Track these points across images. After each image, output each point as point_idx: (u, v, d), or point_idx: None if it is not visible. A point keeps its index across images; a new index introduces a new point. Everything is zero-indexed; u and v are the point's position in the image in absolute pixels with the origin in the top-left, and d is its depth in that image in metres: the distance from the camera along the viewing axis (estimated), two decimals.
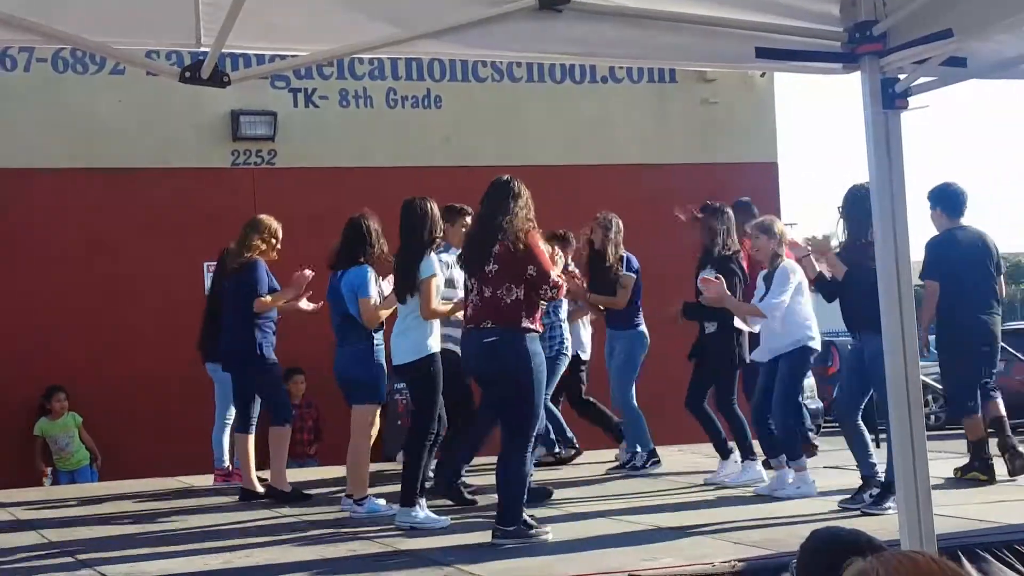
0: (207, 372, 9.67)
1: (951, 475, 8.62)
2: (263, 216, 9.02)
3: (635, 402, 9.57)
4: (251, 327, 8.72)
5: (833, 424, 20.33)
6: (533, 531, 6.91)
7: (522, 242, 6.86)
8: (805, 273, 8.22)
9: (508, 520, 6.88)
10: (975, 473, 8.57)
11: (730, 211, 9.07)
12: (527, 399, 6.85)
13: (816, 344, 8.39)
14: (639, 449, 9.64)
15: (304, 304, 8.92)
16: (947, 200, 8.83)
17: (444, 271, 7.96)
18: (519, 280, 6.85)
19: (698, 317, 8.94)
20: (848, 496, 7.76)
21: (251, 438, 8.94)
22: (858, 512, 7.47)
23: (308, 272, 8.77)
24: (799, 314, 8.32)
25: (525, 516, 6.93)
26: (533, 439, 7.04)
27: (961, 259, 8.66)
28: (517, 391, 6.85)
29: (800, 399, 8.57)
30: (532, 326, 6.92)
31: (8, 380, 10.89)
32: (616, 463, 9.83)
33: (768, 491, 8.41)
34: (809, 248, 8.14)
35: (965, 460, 8.72)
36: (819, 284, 8.07)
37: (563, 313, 9.25)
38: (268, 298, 8.75)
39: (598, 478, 9.46)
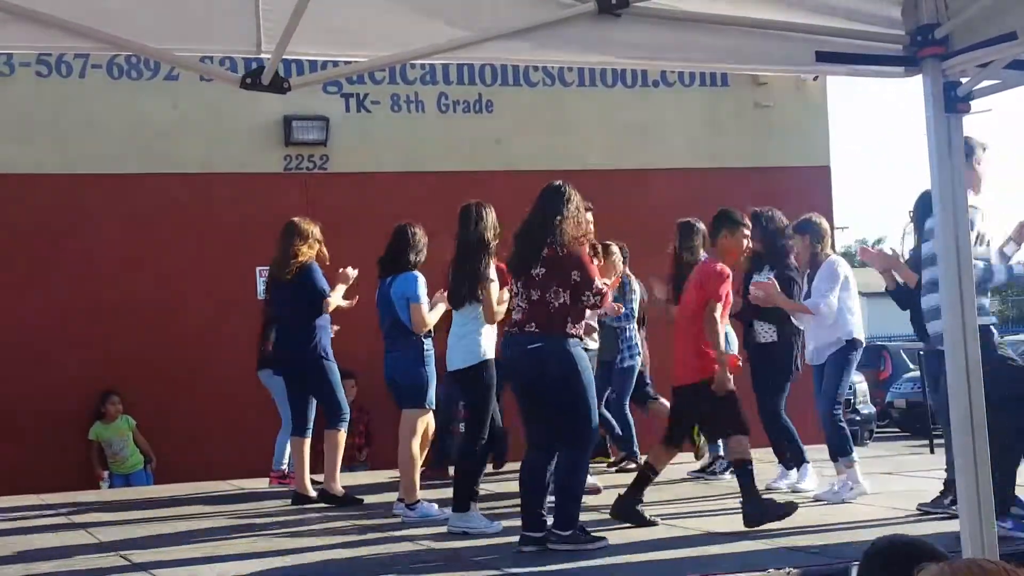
0: (260, 380, 9.73)
1: None
2: (296, 220, 9.02)
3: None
4: (313, 329, 8.76)
5: (887, 429, 20.19)
6: (588, 537, 6.88)
7: (568, 247, 6.86)
8: (886, 285, 8.17)
9: (564, 524, 6.86)
10: None
11: (779, 213, 9.00)
12: (582, 403, 6.84)
13: (860, 341, 8.40)
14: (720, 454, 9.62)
15: (342, 301, 8.94)
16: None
17: None
18: (566, 284, 6.85)
19: (753, 318, 8.86)
20: (928, 501, 7.65)
21: (307, 442, 8.97)
22: (944, 515, 7.30)
23: (352, 271, 8.83)
24: (843, 310, 8.30)
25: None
26: (592, 440, 7.02)
27: None
28: (570, 396, 6.84)
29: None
30: (575, 332, 6.92)
31: (63, 385, 11.00)
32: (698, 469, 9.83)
33: (831, 496, 8.34)
34: (885, 262, 8.10)
35: None
36: (894, 292, 8.03)
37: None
38: (331, 298, 8.78)
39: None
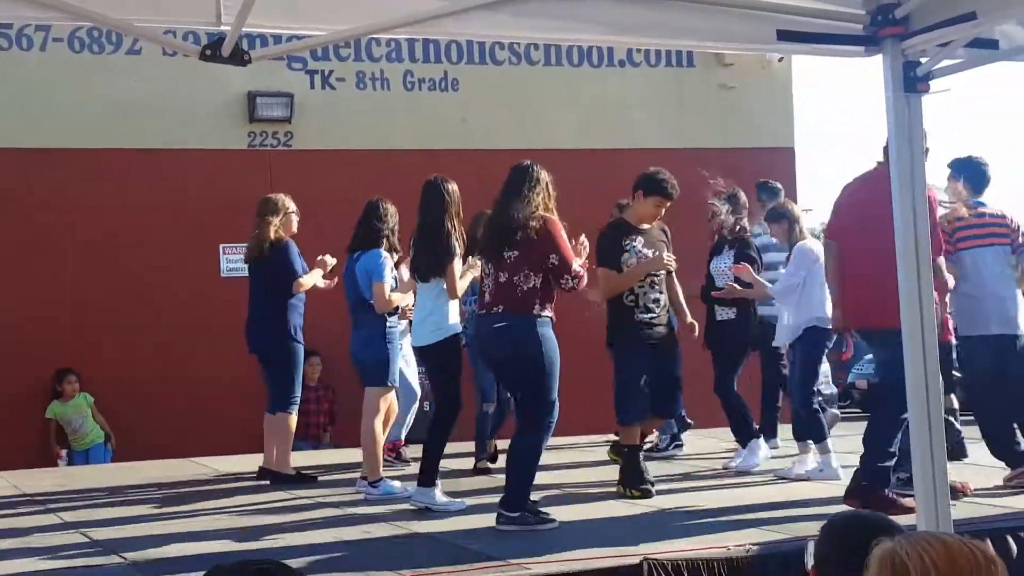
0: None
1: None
2: (271, 195, 8.97)
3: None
4: (285, 309, 8.73)
5: (848, 410, 20.37)
6: (538, 518, 6.86)
7: (541, 229, 6.83)
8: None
9: (512, 506, 6.84)
10: None
11: (742, 194, 9.04)
12: (541, 382, 6.81)
13: (829, 324, 8.37)
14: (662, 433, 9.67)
15: (320, 281, 8.93)
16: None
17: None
18: (538, 267, 6.81)
19: (716, 302, 8.92)
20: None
21: (293, 418, 8.89)
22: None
23: (330, 259, 8.80)
24: (811, 296, 8.31)
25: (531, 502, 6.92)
26: (550, 423, 7.00)
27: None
28: (529, 374, 6.82)
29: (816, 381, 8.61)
30: (544, 313, 6.86)
31: (20, 363, 10.90)
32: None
33: (791, 474, 8.40)
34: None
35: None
36: None
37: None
38: (303, 280, 8.75)
39: (613, 460, 9.45)
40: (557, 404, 6.91)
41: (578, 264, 6.95)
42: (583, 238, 7.37)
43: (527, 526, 6.77)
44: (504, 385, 7.18)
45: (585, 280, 7.00)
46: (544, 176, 6.98)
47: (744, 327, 8.93)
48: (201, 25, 3.57)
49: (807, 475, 8.32)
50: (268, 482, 8.77)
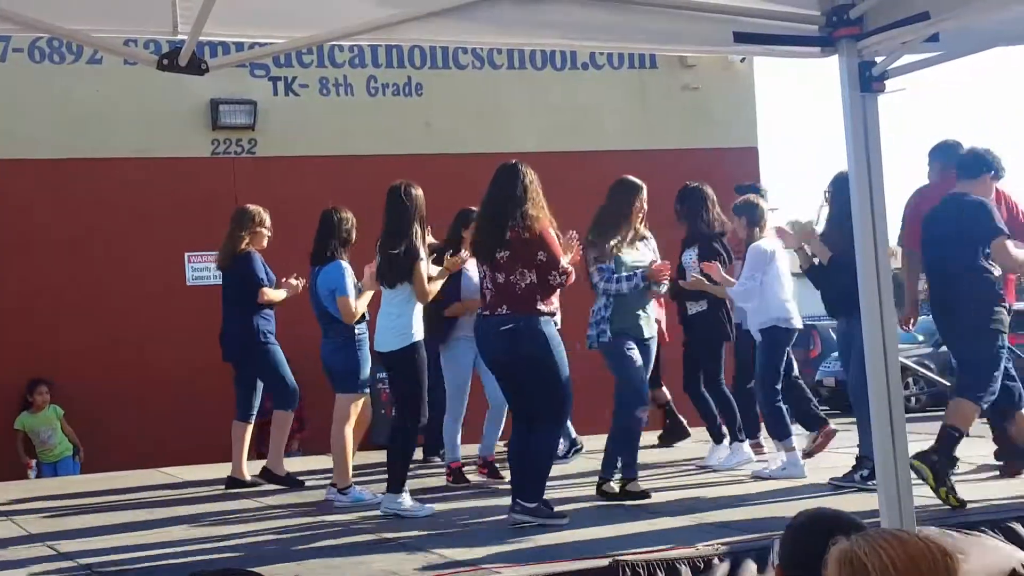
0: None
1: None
2: (248, 206, 9.04)
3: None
4: (251, 316, 8.80)
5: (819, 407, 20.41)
6: (552, 512, 6.97)
7: (532, 228, 6.89)
8: (800, 263, 8.24)
9: (530, 496, 6.93)
10: None
11: (708, 189, 9.03)
12: (555, 379, 6.93)
13: (791, 324, 8.42)
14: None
15: (281, 295, 8.95)
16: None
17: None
18: (531, 265, 6.90)
19: (685, 297, 8.94)
20: (840, 475, 7.81)
21: (250, 427, 8.98)
22: (854, 489, 7.52)
23: (296, 281, 8.84)
24: (772, 295, 8.36)
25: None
26: (566, 418, 7.11)
27: None
28: (541, 373, 6.92)
29: (794, 377, 8.67)
30: (547, 309, 6.99)
31: None
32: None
33: (767, 474, 8.44)
34: (799, 238, 8.18)
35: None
36: (809, 271, 8.09)
37: None
38: (269, 291, 8.77)
39: (583, 460, 9.47)
40: (570, 397, 7.06)
41: (566, 261, 7.06)
42: (573, 232, 7.46)
43: (541, 518, 6.87)
44: (506, 386, 7.22)
45: (573, 276, 7.09)
46: (531, 174, 7.04)
47: (716, 319, 8.94)
48: (158, 34, 3.57)
49: (770, 474, 8.36)
50: (264, 483, 8.81)
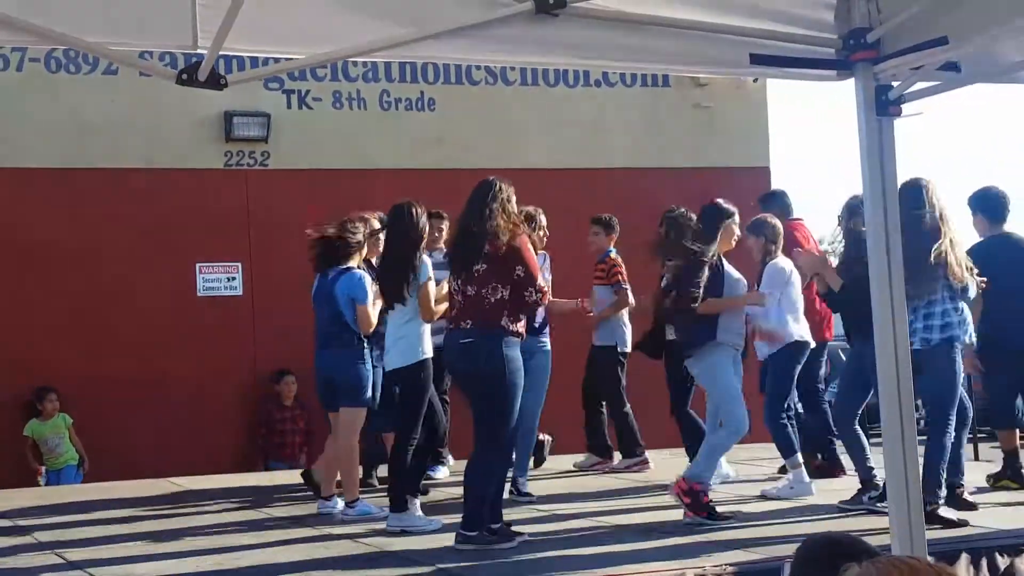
0: None
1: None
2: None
3: None
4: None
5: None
6: (498, 536, 6.87)
7: (509, 242, 6.87)
8: (817, 287, 8.25)
9: (469, 524, 6.85)
10: (1006, 481, 8.52)
11: (684, 211, 8.88)
12: (500, 401, 6.82)
13: (803, 340, 8.44)
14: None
15: None
16: (988, 204, 8.56)
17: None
18: (506, 280, 6.86)
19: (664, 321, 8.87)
20: (848, 498, 7.81)
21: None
22: (863, 511, 7.51)
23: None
24: (784, 312, 8.36)
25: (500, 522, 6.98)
26: (509, 443, 7.02)
27: (1004, 266, 8.26)
28: (491, 392, 6.84)
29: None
30: (513, 328, 6.89)
31: None
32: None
33: (774, 493, 8.42)
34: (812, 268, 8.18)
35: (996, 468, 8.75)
36: (826, 295, 8.10)
37: None
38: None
39: (585, 478, 9.46)
40: (513, 422, 6.91)
41: (542, 279, 7.03)
42: (547, 255, 7.48)
43: (484, 545, 6.78)
44: (469, 401, 7.21)
45: (548, 296, 7.07)
46: (507, 189, 7.01)
47: None
48: (178, 48, 3.58)
49: (777, 493, 8.34)
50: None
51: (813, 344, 8.60)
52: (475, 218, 6.94)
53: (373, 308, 8.09)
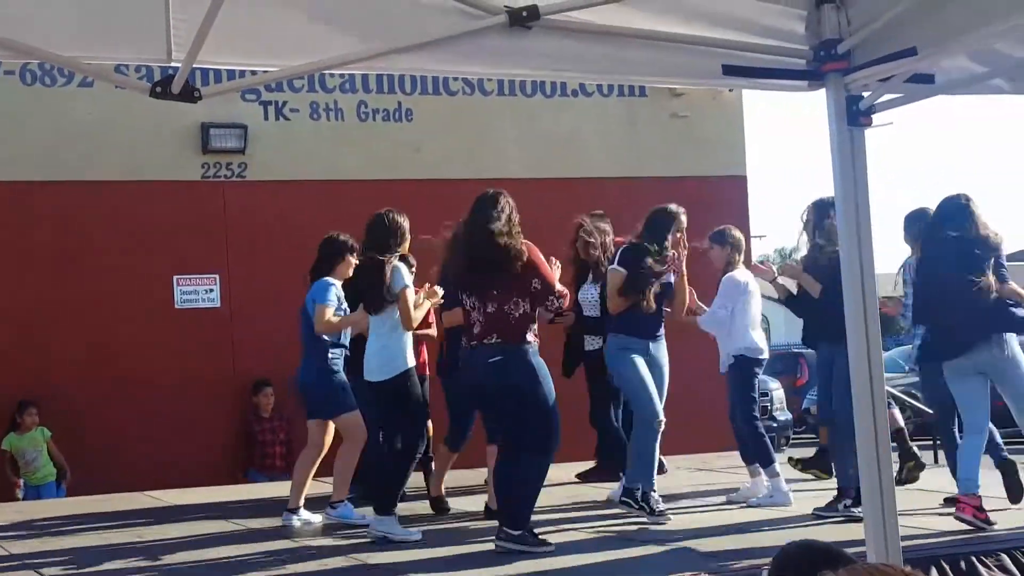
0: None
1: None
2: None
3: None
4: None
5: (803, 435, 20.59)
6: (536, 540, 6.97)
7: (523, 255, 6.93)
8: (777, 294, 8.36)
9: (515, 523, 6.94)
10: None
11: (606, 226, 8.85)
12: (545, 410, 6.96)
13: (759, 354, 8.51)
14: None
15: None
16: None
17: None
18: (524, 294, 6.94)
19: (586, 331, 8.89)
20: (823, 505, 7.85)
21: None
22: (839, 519, 7.55)
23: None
24: (740, 325, 8.44)
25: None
26: (555, 446, 7.10)
27: None
28: (530, 403, 6.94)
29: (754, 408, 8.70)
30: (534, 339, 7.03)
31: None
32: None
33: (742, 499, 8.47)
34: (776, 272, 8.28)
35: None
36: (787, 302, 8.19)
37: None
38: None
39: (562, 488, 9.47)
40: (558, 426, 7.07)
41: (559, 284, 7.13)
42: (555, 260, 7.53)
43: (525, 546, 6.87)
44: (490, 415, 7.28)
45: (568, 298, 7.14)
46: (511, 202, 7.10)
47: None
48: (152, 62, 3.59)
49: (758, 502, 8.39)
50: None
51: (767, 356, 8.70)
52: (480, 232, 6.97)
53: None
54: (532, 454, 7.01)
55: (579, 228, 8.74)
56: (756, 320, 8.59)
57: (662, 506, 7.78)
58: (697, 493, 9.08)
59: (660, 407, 7.82)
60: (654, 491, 7.80)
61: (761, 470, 8.51)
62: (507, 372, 6.95)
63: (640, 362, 7.83)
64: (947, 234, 7.37)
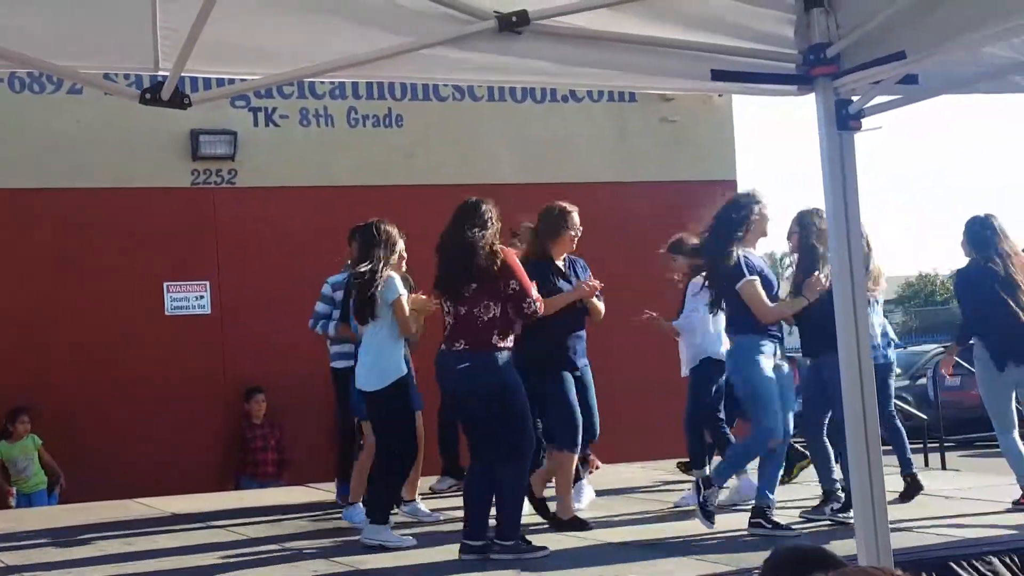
0: None
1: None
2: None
3: None
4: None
5: (794, 438, 20.55)
6: (530, 546, 6.97)
7: (499, 259, 6.91)
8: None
9: (507, 534, 6.94)
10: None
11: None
12: (516, 416, 6.93)
13: (722, 356, 8.49)
14: None
15: None
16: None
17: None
18: (497, 297, 6.91)
19: None
20: (809, 508, 7.87)
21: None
22: (826, 522, 7.58)
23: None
24: (715, 328, 8.49)
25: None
26: (529, 451, 7.08)
27: None
28: (504, 411, 6.91)
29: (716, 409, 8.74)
30: (502, 344, 6.96)
31: None
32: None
33: (728, 502, 8.46)
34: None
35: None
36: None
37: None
38: None
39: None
40: (531, 430, 7.06)
41: (535, 290, 7.08)
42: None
43: (520, 554, 6.87)
44: (464, 420, 7.25)
45: (543, 305, 7.12)
46: (492, 209, 7.08)
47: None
48: (140, 71, 3.58)
49: (731, 503, 8.40)
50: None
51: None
52: (460, 237, 6.97)
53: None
54: (505, 464, 6.96)
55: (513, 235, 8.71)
56: (720, 323, 8.59)
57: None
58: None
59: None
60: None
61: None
62: (474, 379, 6.92)
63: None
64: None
